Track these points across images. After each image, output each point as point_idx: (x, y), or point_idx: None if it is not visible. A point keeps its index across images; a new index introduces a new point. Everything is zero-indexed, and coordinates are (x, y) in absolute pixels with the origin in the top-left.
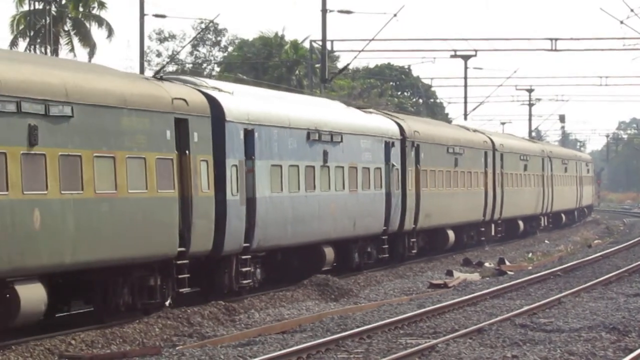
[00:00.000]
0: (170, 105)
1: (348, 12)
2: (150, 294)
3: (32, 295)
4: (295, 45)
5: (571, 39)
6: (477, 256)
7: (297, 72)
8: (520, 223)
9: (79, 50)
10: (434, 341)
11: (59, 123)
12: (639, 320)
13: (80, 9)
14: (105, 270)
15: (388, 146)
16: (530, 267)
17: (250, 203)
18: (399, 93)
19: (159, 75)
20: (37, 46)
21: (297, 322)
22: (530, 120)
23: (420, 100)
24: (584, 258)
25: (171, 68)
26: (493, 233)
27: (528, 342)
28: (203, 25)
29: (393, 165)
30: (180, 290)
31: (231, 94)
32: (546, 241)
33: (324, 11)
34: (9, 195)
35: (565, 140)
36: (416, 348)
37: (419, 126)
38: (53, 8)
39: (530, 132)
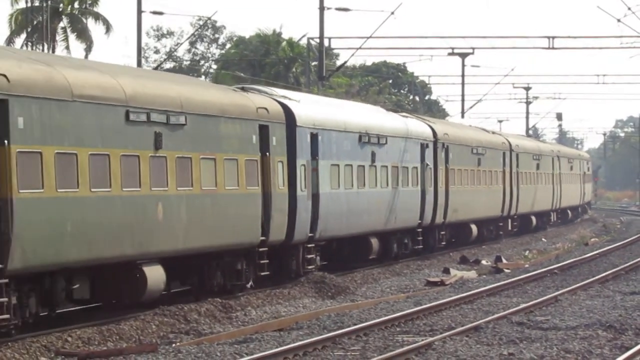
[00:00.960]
0: (256, 113)
1: (345, 9)
2: (237, 276)
3: (156, 275)
4: (291, 43)
5: (568, 37)
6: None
7: (294, 69)
8: (533, 218)
9: (76, 47)
10: (431, 339)
11: (176, 130)
12: (636, 318)
13: (76, 5)
14: (203, 255)
15: (423, 147)
16: (527, 265)
17: (315, 198)
18: (396, 91)
19: (241, 86)
20: (34, 42)
21: (293, 319)
22: (527, 118)
23: (417, 98)
24: (580, 256)
25: (169, 65)
26: (509, 228)
27: (524, 340)
28: (201, 23)
29: (427, 165)
30: (261, 273)
31: (298, 102)
32: (543, 239)
33: (322, 9)
34: (140, 191)
35: (563, 138)
36: (413, 346)
37: (448, 129)
38: (49, 4)
39: (527, 130)
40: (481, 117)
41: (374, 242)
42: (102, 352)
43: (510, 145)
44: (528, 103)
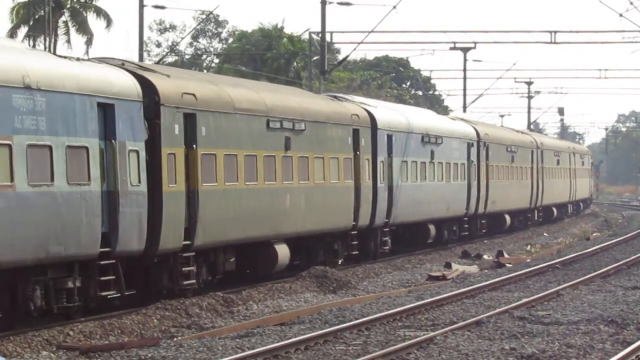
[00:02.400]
0: (350, 119)
1: (347, 3)
2: (334, 254)
3: (283, 252)
4: (291, 39)
5: (570, 31)
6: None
7: (295, 63)
8: (554, 210)
9: (77, 40)
10: (432, 333)
11: (298, 135)
12: (637, 313)
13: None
14: (311, 237)
15: (469, 146)
16: (528, 260)
17: (390, 189)
18: (398, 85)
19: (334, 95)
20: (35, 36)
21: (295, 313)
22: (529, 112)
23: (420, 92)
24: (582, 251)
25: (170, 59)
26: (536, 218)
27: (526, 335)
28: (203, 17)
29: (472, 162)
30: (352, 252)
31: (376, 108)
32: (545, 234)
33: (324, 3)
34: (276, 184)
35: (564, 133)
36: (414, 340)
37: (488, 130)
38: None
39: (529, 124)
40: (483, 112)
41: (432, 228)
42: (104, 346)
43: (536, 143)
44: (530, 97)
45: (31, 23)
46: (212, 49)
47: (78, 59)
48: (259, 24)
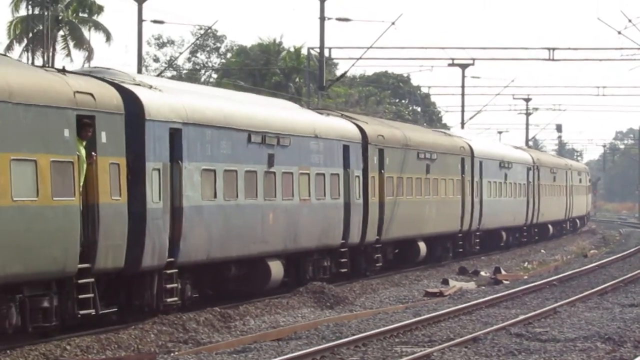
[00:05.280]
0: (459, 150)
1: (346, 19)
2: (446, 251)
3: (423, 248)
4: (298, 52)
5: (569, 48)
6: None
7: (297, 79)
8: (577, 221)
9: (76, 55)
10: (429, 350)
11: (433, 162)
12: (634, 330)
13: (81, 14)
14: (434, 237)
15: (528, 170)
16: (526, 277)
17: (480, 203)
18: (397, 101)
19: (443, 131)
20: (33, 50)
21: (292, 329)
22: (527, 129)
23: (418, 109)
24: (579, 268)
25: (169, 74)
26: (568, 227)
27: (523, 352)
28: (202, 32)
29: (529, 182)
30: (458, 250)
31: (471, 140)
32: (542, 250)
33: (322, 19)
34: (420, 198)
35: (562, 150)
36: (411, 356)
37: (540, 156)
38: (50, 13)
39: (527, 141)
40: (481, 128)
41: (504, 234)
42: None
43: (568, 165)
44: (528, 114)
45: (30, 36)
46: (210, 64)
47: (328, 114)
48: (258, 39)
